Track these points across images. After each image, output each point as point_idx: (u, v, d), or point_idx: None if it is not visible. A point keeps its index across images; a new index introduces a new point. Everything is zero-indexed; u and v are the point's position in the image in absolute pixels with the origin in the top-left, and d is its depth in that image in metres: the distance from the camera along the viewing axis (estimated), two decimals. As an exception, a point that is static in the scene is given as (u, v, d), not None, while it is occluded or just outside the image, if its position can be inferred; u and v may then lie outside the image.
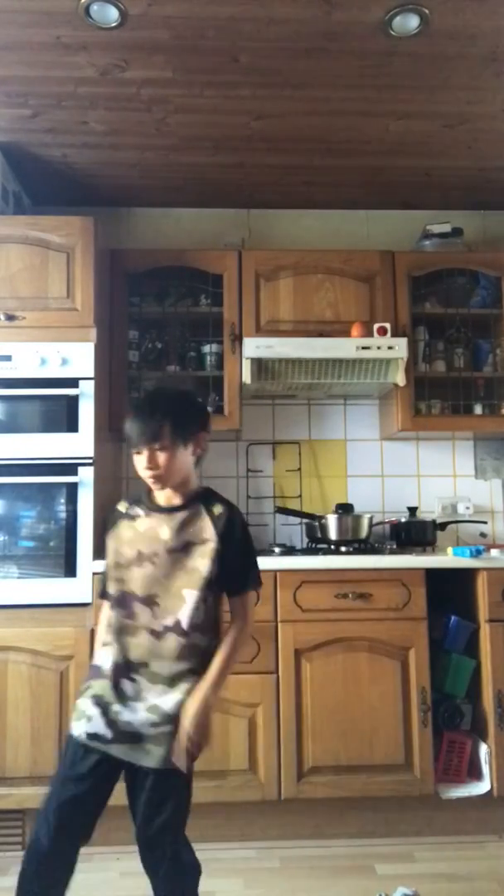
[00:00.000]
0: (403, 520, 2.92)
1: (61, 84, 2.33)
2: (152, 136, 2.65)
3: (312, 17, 2.02)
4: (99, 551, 2.29)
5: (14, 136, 2.64)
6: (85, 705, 1.52)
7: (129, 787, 1.54)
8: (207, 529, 1.57)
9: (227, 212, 3.24)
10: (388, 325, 2.76)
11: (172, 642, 1.51)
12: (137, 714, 1.49)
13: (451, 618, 2.45)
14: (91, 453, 2.46)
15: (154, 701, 1.49)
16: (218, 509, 1.61)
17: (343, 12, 2.00)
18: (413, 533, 2.88)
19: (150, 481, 1.58)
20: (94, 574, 2.37)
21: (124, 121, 2.55)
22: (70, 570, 2.39)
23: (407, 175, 2.98)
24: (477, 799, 2.35)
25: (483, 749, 2.39)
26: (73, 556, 2.40)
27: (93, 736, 1.49)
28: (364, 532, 2.76)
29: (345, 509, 2.82)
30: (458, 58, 2.21)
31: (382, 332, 2.75)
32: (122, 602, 1.56)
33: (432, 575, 2.45)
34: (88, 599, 2.35)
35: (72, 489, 2.43)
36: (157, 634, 1.52)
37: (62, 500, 2.43)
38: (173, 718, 1.48)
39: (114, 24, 2.04)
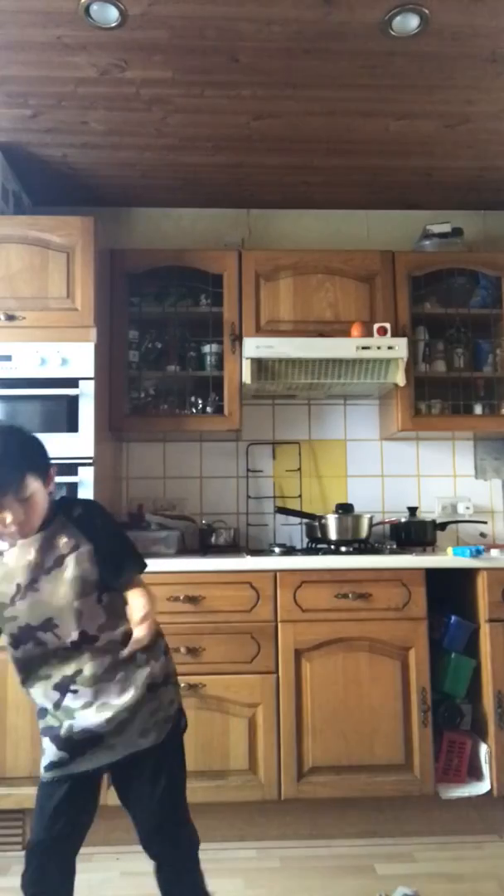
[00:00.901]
0: (403, 520, 2.92)
1: (61, 84, 2.33)
2: (152, 136, 2.65)
3: (312, 17, 2.02)
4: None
5: (14, 136, 2.64)
6: (43, 744, 1.50)
7: (116, 785, 1.55)
8: (74, 535, 1.51)
9: (227, 212, 3.24)
10: (388, 325, 2.76)
11: (89, 650, 1.49)
12: (90, 718, 1.47)
13: (451, 618, 2.45)
14: (91, 453, 2.46)
15: (102, 700, 1.48)
16: (77, 510, 1.55)
17: (343, 12, 2.00)
18: (413, 533, 2.88)
19: (13, 533, 1.47)
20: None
21: (124, 121, 2.55)
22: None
23: (407, 175, 2.98)
24: (477, 799, 2.35)
25: (483, 749, 2.39)
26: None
27: (50, 766, 1.48)
28: (364, 532, 2.76)
29: (345, 509, 2.82)
30: (458, 58, 2.21)
31: (382, 332, 2.75)
32: (25, 637, 1.50)
33: (432, 575, 2.45)
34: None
35: (72, 489, 2.43)
36: (70, 650, 1.49)
37: (62, 500, 2.43)
38: (131, 705, 1.48)
39: (114, 24, 2.04)
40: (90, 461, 2.45)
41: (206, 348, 2.89)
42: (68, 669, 1.49)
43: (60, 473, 2.42)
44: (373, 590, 2.41)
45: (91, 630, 1.49)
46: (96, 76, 2.29)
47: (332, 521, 2.76)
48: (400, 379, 2.75)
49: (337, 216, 3.27)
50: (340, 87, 2.35)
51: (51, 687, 1.50)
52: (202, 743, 2.29)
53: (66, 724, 1.47)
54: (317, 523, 2.81)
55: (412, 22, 2.04)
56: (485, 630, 2.40)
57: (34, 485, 1.48)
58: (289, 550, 2.78)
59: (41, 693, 1.51)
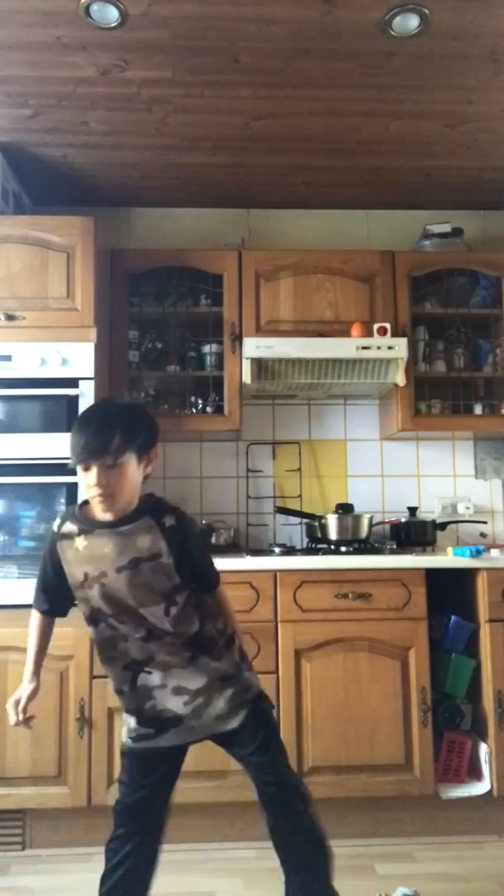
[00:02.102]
0: (403, 520, 2.92)
1: (61, 84, 2.33)
2: (152, 136, 2.65)
3: (312, 18, 2.02)
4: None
5: (14, 136, 2.64)
6: (124, 719, 1.60)
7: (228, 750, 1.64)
8: (158, 543, 1.49)
9: (227, 212, 3.24)
10: (388, 325, 2.76)
11: (161, 643, 1.52)
12: (170, 699, 1.53)
13: (451, 618, 2.45)
14: (91, 453, 2.46)
15: (175, 683, 1.53)
16: (169, 520, 1.52)
17: (343, 12, 2.00)
18: (413, 533, 2.88)
19: (96, 501, 1.46)
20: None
21: (124, 121, 2.55)
22: (70, 570, 2.39)
23: (407, 175, 2.98)
24: (477, 799, 2.35)
25: (483, 749, 2.39)
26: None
27: (136, 738, 1.56)
28: (364, 532, 2.76)
29: (345, 509, 2.82)
30: (458, 58, 2.21)
31: (382, 332, 2.75)
32: (97, 619, 1.53)
33: (432, 575, 2.45)
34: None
35: (72, 489, 2.42)
36: (144, 639, 1.52)
37: (62, 500, 2.43)
38: (203, 690, 1.54)
39: (114, 24, 2.04)
40: (90, 461, 2.45)
41: (206, 348, 2.89)
42: (139, 654, 1.53)
43: (60, 473, 2.43)
44: (373, 590, 2.41)
45: (157, 631, 1.52)
46: (96, 76, 2.28)
47: (332, 521, 2.76)
48: (400, 379, 2.74)
49: (337, 216, 3.27)
50: (340, 87, 2.35)
51: (122, 667, 1.54)
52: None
53: (148, 703, 1.54)
54: (317, 523, 2.81)
55: (412, 22, 2.04)
56: (485, 630, 2.40)
57: (126, 457, 1.46)
58: (289, 550, 2.78)
59: (116, 672, 1.56)
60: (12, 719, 1.58)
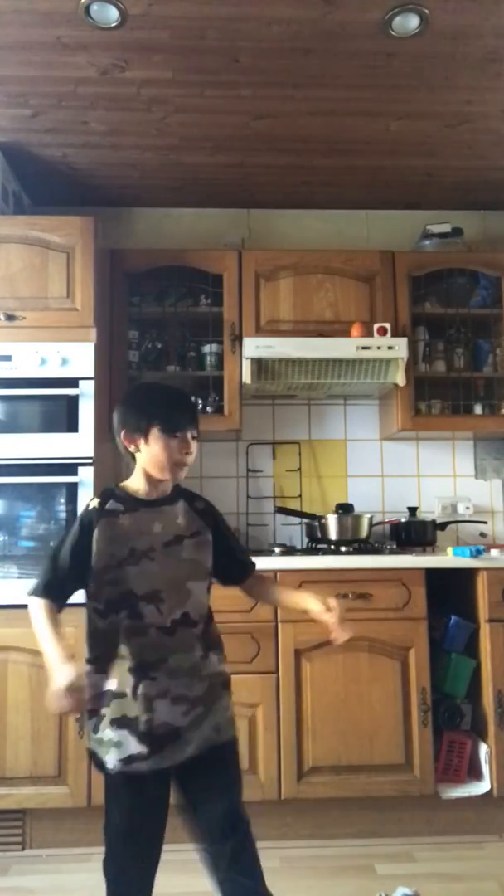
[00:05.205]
0: (403, 520, 2.92)
1: (61, 84, 2.33)
2: (152, 136, 2.65)
3: (312, 17, 2.02)
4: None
5: (14, 136, 2.64)
6: (108, 735, 1.45)
7: (184, 786, 1.51)
8: (196, 522, 1.57)
9: (227, 212, 3.24)
10: (388, 325, 2.76)
11: (184, 635, 1.50)
12: (168, 711, 1.45)
13: (451, 618, 2.45)
14: (91, 453, 2.46)
15: (178, 692, 1.47)
16: (200, 504, 1.61)
17: (343, 12, 2.00)
18: (413, 533, 2.88)
19: (176, 469, 1.53)
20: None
21: (124, 121, 2.55)
22: (70, 570, 2.39)
23: (407, 175, 2.98)
24: (477, 799, 2.35)
25: (483, 749, 2.39)
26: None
27: (128, 760, 1.43)
28: (364, 532, 2.76)
29: (345, 509, 2.82)
30: (458, 58, 2.21)
31: (382, 332, 2.75)
32: (122, 606, 1.48)
33: (432, 575, 2.45)
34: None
35: (72, 489, 2.43)
36: (167, 630, 1.49)
37: (62, 500, 2.44)
38: (203, 698, 1.50)
39: (114, 24, 2.04)
40: (90, 461, 2.45)
41: (206, 348, 2.89)
42: (151, 655, 1.47)
43: (60, 473, 2.43)
44: (373, 590, 2.41)
45: (194, 614, 1.52)
46: (96, 76, 2.28)
47: (332, 521, 2.76)
48: (400, 379, 2.74)
49: (337, 216, 3.27)
50: (340, 87, 2.35)
51: (127, 669, 1.47)
52: (202, 743, 2.29)
53: (144, 717, 1.44)
54: (317, 523, 2.81)
55: (412, 22, 2.04)
56: (485, 630, 2.40)
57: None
58: (289, 550, 2.78)
59: (116, 675, 1.47)
60: (72, 707, 1.41)
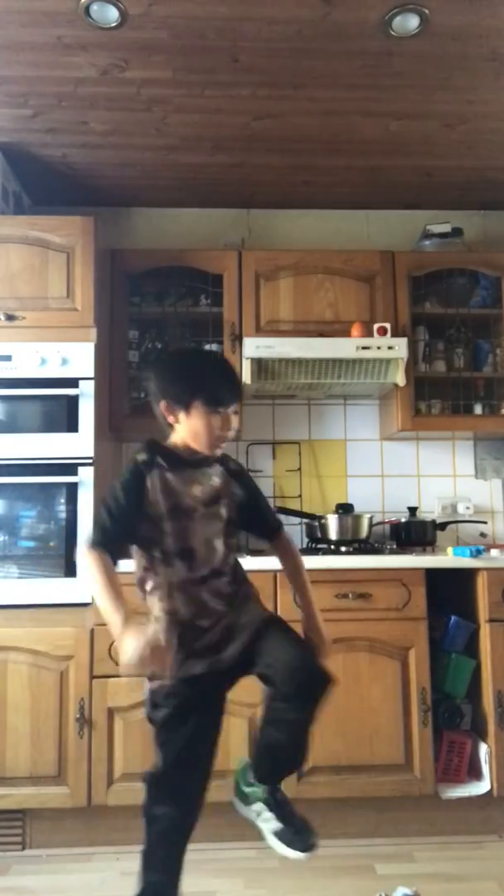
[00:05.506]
0: (403, 520, 2.92)
1: (61, 84, 2.33)
2: (152, 136, 2.65)
3: (312, 17, 2.02)
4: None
5: (14, 136, 2.64)
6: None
7: (243, 668, 1.58)
8: (228, 482, 1.62)
9: (227, 212, 3.24)
10: (388, 325, 2.76)
11: (215, 584, 1.56)
12: (211, 637, 1.54)
13: (451, 618, 2.45)
14: (91, 453, 2.46)
15: (223, 623, 1.55)
16: (233, 465, 1.67)
17: (343, 12, 2.00)
18: (413, 533, 2.88)
19: (215, 444, 1.56)
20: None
21: (124, 121, 2.55)
22: (70, 570, 2.39)
23: (407, 175, 2.98)
24: (477, 799, 2.35)
25: (483, 749, 2.39)
26: (73, 556, 2.39)
27: (183, 668, 1.52)
28: (364, 532, 2.76)
29: (345, 509, 2.82)
30: (458, 58, 2.21)
31: (382, 332, 2.75)
32: (171, 556, 1.54)
33: (432, 575, 2.45)
34: (89, 600, 2.34)
35: (72, 489, 2.42)
36: (196, 583, 1.54)
37: (62, 500, 2.43)
38: (234, 608, 1.58)
39: (114, 24, 2.04)
40: (90, 461, 2.45)
41: (206, 348, 2.89)
42: (193, 607, 1.54)
43: (60, 473, 2.43)
44: (373, 590, 2.41)
45: (221, 568, 1.57)
46: (96, 76, 2.29)
47: (332, 521, 2.76)
48: (400, 379, 2.74)
49: (337, 216, 3.27)
50: (340, 87, 2.35)
51: (180, 612, 1.54)
52: (202, 743, 2.28)
53: (200, 620, 1.54)
54: (317, 523, 2.81)
55: (412, 22, 2.04)
56: (485, 630, 2.40)
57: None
58: (289, 550, 2.78)
59: (175, 603, 1.54)
60: (158, 665, 1.41)
